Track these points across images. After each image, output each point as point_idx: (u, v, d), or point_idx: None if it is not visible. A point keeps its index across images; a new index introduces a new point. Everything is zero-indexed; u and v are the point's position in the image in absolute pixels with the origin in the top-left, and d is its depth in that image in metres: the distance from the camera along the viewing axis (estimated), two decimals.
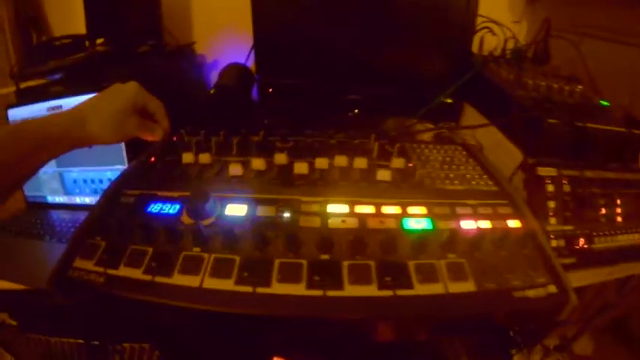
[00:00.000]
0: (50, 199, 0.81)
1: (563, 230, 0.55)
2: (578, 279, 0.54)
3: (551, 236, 0.54)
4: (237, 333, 0.44)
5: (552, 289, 0.40)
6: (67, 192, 0.79)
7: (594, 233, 0.56)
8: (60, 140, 0.45)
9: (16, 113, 0.79)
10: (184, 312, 0.38)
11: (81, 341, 0.73)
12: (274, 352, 0.56)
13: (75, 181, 0.77)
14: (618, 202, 0.59)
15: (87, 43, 0.71)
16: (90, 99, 0.49)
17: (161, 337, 0.69)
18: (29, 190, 0.83)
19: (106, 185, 0.75)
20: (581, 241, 0.56)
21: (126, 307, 0.42)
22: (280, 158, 0.52)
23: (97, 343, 0.71)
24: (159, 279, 0.40)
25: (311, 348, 0.56)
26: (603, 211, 0.58)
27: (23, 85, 0.78)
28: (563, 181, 0.56)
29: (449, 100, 0.71)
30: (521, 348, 0.73)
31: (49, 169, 0.79)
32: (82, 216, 0.77)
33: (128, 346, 0.71)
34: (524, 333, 0.74)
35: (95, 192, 0.76)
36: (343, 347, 0.58)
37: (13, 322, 0.73)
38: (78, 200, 0.79)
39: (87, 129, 0.46)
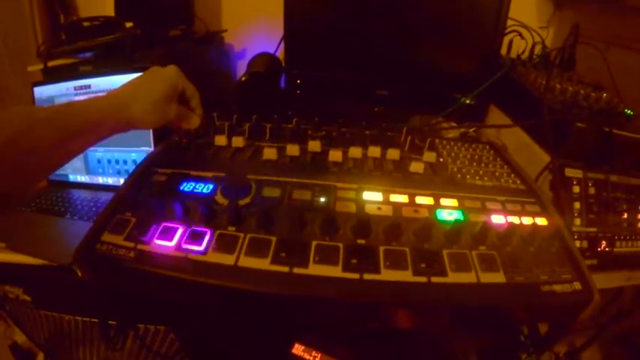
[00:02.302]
0: (72, 177, 0.81)
1: (587, 232, 0.56)
2: (597, 281, 0.55)
3: (575, 237, 0.54)
4: (269, 313, 0.44)
5: (577, 285, 0.40)
6: (89, 171, 0.79)
7: (616, 237, 0.57)
8: (100, 126, 0.43)
9: (43, 91, 0.79)
10: (218, 290, 0.39)
11: (95, 320, 0.73)
12: (295, 339, 0.56)
13: (99, 161, 0.78)
14: None
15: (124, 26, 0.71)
16: (130, 83, 0.47)
17: (178, 320, 0.69)
18: None
19: (130, 167, 0.75)
20: (603, 243, 0.56)
21: (155, 284, 0.42)
22: (314, 145, 0.52)
23: (113, 322, 0.71)
24: (192, 256, 0.40)
25: (331, 335, 0.57)
26: (625, 215, 0.59)
27: (51, 64, 0.78)
28: (589, 184, 0.57)
29: (469, 101, 0.72)
30: (531, 353, 0.73)
31: None
32: (104, 196, 0.78)
33: (143, 327, 0.72)
34: (534, 338, 0.74)
35: (119, 173, 0.77)
36: (360, 338, 0.59)
37: (27, 298, 0.73)
38: (100, 180, 0.79)
39: (128, 114, 0.45)
